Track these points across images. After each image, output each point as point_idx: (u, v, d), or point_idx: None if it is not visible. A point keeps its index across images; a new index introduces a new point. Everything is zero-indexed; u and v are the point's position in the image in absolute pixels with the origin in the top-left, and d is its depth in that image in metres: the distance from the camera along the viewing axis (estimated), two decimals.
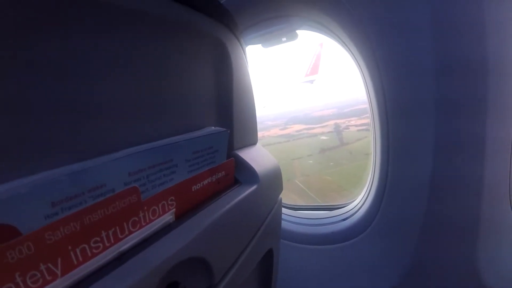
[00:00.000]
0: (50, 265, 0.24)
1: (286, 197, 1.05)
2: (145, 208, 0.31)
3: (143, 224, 0.31)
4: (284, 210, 1.12)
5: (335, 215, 1.07)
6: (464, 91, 0.70)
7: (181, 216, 0.37)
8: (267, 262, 0.62)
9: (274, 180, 0.58)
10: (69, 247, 0.25)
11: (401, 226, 0.85)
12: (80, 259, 0.26)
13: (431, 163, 0.76)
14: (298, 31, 1.02)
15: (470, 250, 0.79)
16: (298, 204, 1.19)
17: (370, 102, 0.91)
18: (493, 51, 0.67)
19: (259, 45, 1.05)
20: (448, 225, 0.79)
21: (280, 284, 0.74)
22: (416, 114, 0.77)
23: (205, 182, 0.41)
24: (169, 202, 0.35)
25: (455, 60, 0.69)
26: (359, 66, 0.90)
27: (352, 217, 1.00)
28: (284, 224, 1.03)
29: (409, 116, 0.78)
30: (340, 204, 1.13)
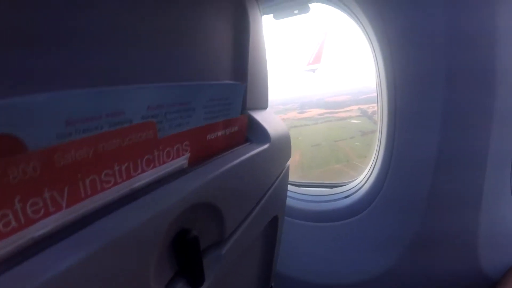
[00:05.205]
0: (55, 193, 0.21)
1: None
2: (160, 147, 0.29)
3: (157, 164, 0.30)
4: None
5: (336, 192, 1.06)
6: (474, 63, 0.70)
7: (194, 164, 0.35)
8: (271, 230, 0.61)
9: (283, 144, 0.57)
10: (79, 176, 0.23)
11: (404, 202, 0.85)
12: (89, 192, 0.24)
13: (438, 138, 0.75)
14: (310, 5, 1.00)
15: (472, 223, 0.79)
16: (299, 181, 1.18)
17: (379, 77, 0.89)
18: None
19: (271, 16, 1.02)
20: (452, 200, 0.79)
21: (281, 259, 0.74)
22: (424, 87, 0.76)
23: (219, 133, 0.39)
24: (184, 147, 0.33)
25: (466, 32, 0.69)
26: (370, 40, 0.88)
27: (354, 194, 1.00)
28: None
29: (417, 90, 0.77)
30: (342, 182, 1.12)
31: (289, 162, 0.63)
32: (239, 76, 0.50)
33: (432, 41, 0.71)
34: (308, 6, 1.00)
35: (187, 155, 0.33)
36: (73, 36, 0.25)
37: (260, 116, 0.52)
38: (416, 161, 0.81)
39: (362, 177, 1.05)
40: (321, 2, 0.99)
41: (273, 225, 0.60)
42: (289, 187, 1.12)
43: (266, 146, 0.46)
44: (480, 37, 0.68)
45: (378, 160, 0.94)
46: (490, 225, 0.79)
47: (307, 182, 1.19)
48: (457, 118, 0.73)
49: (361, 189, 0.99)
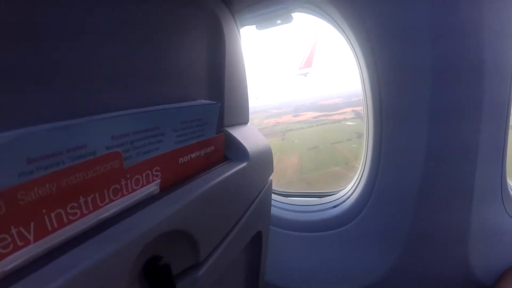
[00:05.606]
0: (22, 229, 0.22)
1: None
2: (128, 176, 0.29)
3: (125, 193, 0.30)
4: (273, 196, 1.11)
5: (325, 202, 1.06)
6: (461, 57, 0.70)
7: (166, 189, 0.35)
8: (256, 245, 0.61)
9: (264, 160, 0.57)
10: (44, 211, 0.23)
11: (394, 208, 0.85)
12: (55, 225, 0.24)
13: (426, 137, 0.75)
14: (293, 14, 1.00)
15: (463, 219, 0.79)
16: (287, 190, 1.18)
17: (363, 79, 0.89)
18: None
19: (253, 27, 1.02)
20: (442, 200, 0.79)
21: (270, 269, 0.73)
22: (410, 85, 0.75)
23: (193, 155, 0.39)
24: (154, 173, 0.33)
25: (452, 26, 0.68)
26: (350, 42, 0.88)
27: (343, 204, 1.00)
28: (272, 210, 1.02)
29: (402, 88, 0.77)
30: (331, 192, 1.12)
31: (272, 176, 0.63)
32: (216, 92, 0.50)
33: (417, 36, 0.71)
34: (291, 16, 1.01)
35: (157, 181, 0.33)
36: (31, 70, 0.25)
37: (239, 133, 0.52)
38: (404, 163, 0.81)
39: (351, 186, 1.05)
40: (302, 12, 1.00)
41: (258, 240, 0.60)
42: (278, 198, 1.12)
43: (244, 164, 0.46)
44: (466, 31, 0.68)
45: (366, 166, 0.94)
46: (481, 223, 0.79)
47: (294, 192, 1.19)
48: (445, 115, 0.73)
49: (350, 198, 0.99)
